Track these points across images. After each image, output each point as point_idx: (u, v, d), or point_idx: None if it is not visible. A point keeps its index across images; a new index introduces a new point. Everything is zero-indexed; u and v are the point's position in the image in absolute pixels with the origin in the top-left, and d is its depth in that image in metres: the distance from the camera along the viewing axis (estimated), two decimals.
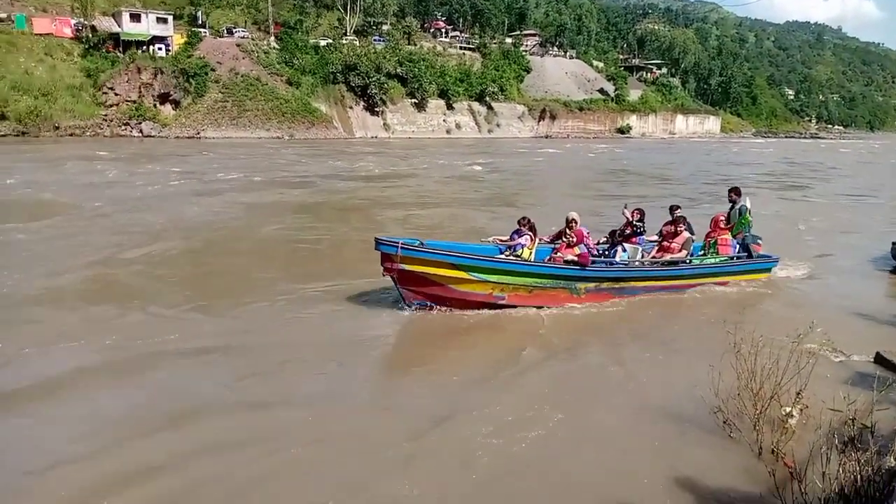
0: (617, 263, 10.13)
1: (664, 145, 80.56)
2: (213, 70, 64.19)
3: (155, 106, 60.51)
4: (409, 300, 9.19)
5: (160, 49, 63.86)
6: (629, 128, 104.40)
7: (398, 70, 77.00)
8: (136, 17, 63.52)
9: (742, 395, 5.62)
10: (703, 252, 10.87)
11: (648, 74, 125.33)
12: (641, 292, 9.99)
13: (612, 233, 11.01)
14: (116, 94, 58.83)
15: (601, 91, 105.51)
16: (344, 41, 77.49)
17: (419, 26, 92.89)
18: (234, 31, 71.12)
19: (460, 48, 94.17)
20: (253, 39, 70.61)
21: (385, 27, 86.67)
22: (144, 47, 63.20)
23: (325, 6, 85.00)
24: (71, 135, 53.67)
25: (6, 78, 53.35)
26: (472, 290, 9.12)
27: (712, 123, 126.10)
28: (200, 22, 70.74)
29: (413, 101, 79.18)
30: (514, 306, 9.33)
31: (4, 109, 51.61)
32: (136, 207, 18.66)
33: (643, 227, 10.73)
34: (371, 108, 74.94)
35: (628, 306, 9.66)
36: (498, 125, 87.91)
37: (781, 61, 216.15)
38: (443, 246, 9.76)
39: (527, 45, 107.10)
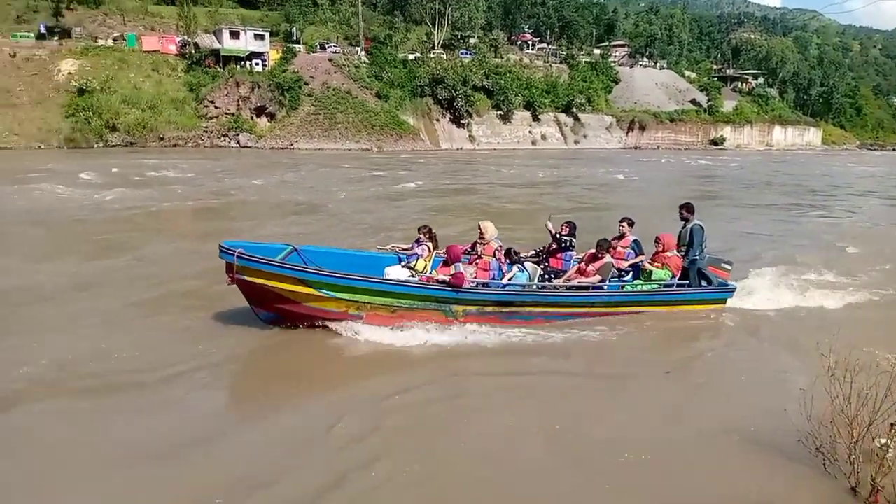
0: (509, 286, 8.87)
1: (781, 158, 77.24)
2: (306, 84, 66.31)
3: (252, 118, 63.07)
4: (258, 312, 8.42)
5: (257, 64, 66.60)
6: (723, 139, 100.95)
7: (484, 83, 77.37)
8: (235, 34, 66.51)
9: (836, 421, 5.12)
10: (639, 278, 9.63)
11: (744, 85, 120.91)
12: (539, 318, 8.78)
13: (543, 249, 9.94)
14: (216, 107, 61.69)
15: (693, 102, 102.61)
16: (431, 55, 78.59)
17: (506, 39, 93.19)
18: (326, 46, 73.39)
19: (547, 60, 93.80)
20: (344, 54, 72.59)
21: (472, 41, 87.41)
22: (243, 62, 66.07)
23: (414, 21, 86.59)
24: (174, 145, 56.68)
25: (118, 92, 56.98)
26: (323, 308, 8.19)
27: (812, 135, 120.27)
28: (295, 38, 73.44)
29: (499, 112, 79.31)
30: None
31: (116, 122, 55.10)
32: (361, 209, 21.05)
33: (571, 241, 9.59)
34: (457, 121, 75.54)
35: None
36: (585, 136, 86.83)
37: (889, 70, 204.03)
38: (318, 252, 9.10)
39: (615, 56, 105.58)
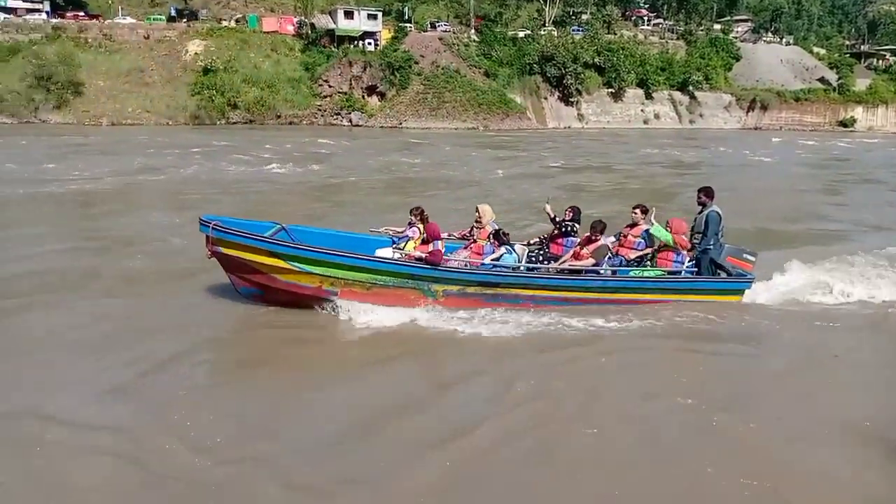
0: (494, 267, 8.54)
1: None
2: (416, 63, 66.99)
3: (363, 97, 64.48)
4: (237, 286, 8.48)
5: (369, 44, 67.89)
6: (853, 121, 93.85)
7: (596, 60, 75.39)
8: (349, 14, 67.98)
9: None
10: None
11: (880, 62, 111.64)
12: (527, 302, 8.45)
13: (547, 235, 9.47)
14: (330, 86, 63.48)
15: (821, 80, 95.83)
16: (542, 32, 77.33)
17: (620, 15, 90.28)
18: (437, 24, 73.78)
19: (663, 36, 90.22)
20: (454, 33, 72.72)
21: (584, 17, 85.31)
22: (356, 42, 67.53)
23: None
24: (290, 123, 58.93)
25: (239, 72, 59.75)
26: (297, 282, 8.12)
27: None
28: (406, 17, 74.24)
29: (609, 90, 77.19)
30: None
31: (237, 100, 57.82)
32: (521, 187, 22.30)
33: (573, 226, 9.11)
34: (566, 99, 74.16)
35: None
36: (701, 115, 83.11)
37: None
38: (307, 232, 9.01)
39: (737, 32, 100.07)
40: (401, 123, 62.80)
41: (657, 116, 79.76)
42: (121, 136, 41.09)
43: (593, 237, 8.84)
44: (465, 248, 8.91)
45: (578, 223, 9.18)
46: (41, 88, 54.89)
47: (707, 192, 9.12)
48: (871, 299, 9.43)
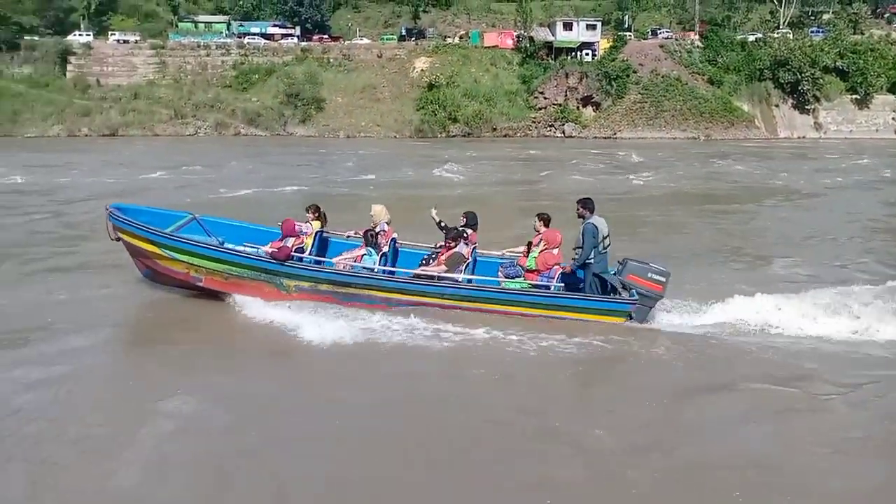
0: (354, 267, 8.98)
1: None
2: (634, 72, 65.72)
3: (577, 108, 64.56)
4: (139, 269, 9.51)
5: (587, 54, 67.81)
6: None
7: (838, 63, 68.49)
8: (568, 26, 68.47)
9: None
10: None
11: None
12: (382, 303, 8.53)
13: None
14: (545, 98, 64.40)
15: None
16: (775, 35, 71.93)
17: (870, 12, 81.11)
18: (658, 32, 71.70)
19: None
20: (676, 39, 70.22)
21: (826, 16, 77.87)
22: (573, 53, 67.83)
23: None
24: (505, 136, 60.72)
25: (460, 87, 62.77)
26: (171, 267, 8.96)
27: None
28: (626, 26, 73.03)
29: (854, 96, 69.70)
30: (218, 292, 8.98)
31: (457, 114, 60.83)
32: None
33: (464, 232, 9.01)
34: (800, 106, 68.26)
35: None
36: None
37: None
38: (218, 223, 9.69)
39: None
40: (615, 134, 61.99)
41: None
42: (364, 146, 45.33)
43: (447, 244, 8.88)
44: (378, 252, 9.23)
45: (474, 228, 9.25)
46: (290, 105, 62.09)
47: (585, 205, 8.74)
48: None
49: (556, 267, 8.68)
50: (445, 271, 8.70)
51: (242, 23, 74.38)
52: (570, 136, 61.47)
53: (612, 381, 7.56)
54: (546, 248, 8.70)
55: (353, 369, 7.28)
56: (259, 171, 30.74)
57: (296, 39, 71.42)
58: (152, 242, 8.87)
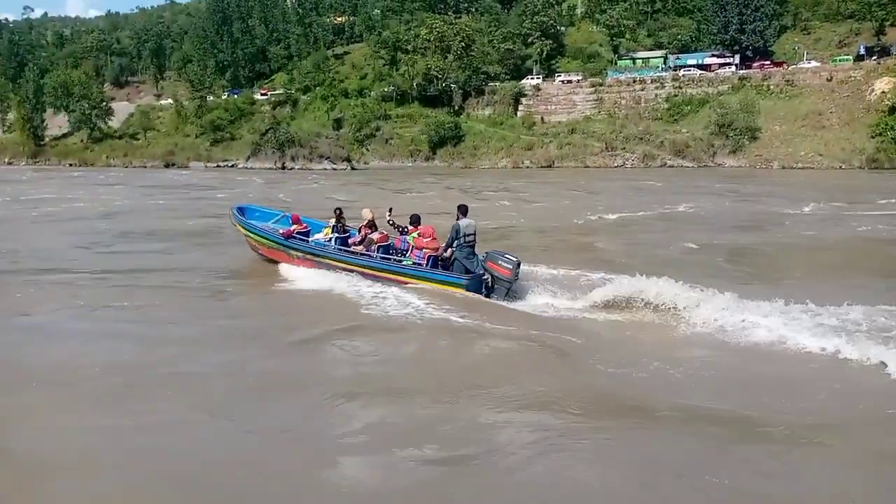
0: (316, 244, 12.56)
1: None
2: None
3: None
4: (257, 252, 13.75)
5: None
6: None
7: None
8: None
9: None
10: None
11: None
12: (338, 269, 11.99)
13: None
14: None
15: None
16: None
17: None
18: None
19: None
20: None
21: None
22: None
23: None
24: None
25: None
26: (249, 241, 13.78)
27: None
28: None
29: None
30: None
31: None
32: None
33: (404, 228, 12.13)
34: None
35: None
36: None
37: None
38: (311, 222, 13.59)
39: None
40: None
41: None
42: (802, 177, 41.62)
43: (364, 231, 12.15)
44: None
45: (415, 224, 11.77)
46: (721, 135, 60.12)
47: (460, 209, 11.29)
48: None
49: (425, 250, 11.42)
50: (363, 250, 12.03)
51: (679, 55, 74.65)
52: None
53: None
54: (418, 237, 11.56)
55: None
56: (660, 198, 30.37)
57: (733, 68, 68.90)
58: (241, 226, 13.78)
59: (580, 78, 74.40)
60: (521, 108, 74.33)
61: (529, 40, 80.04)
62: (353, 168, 63.30)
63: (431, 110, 76.46)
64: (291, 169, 62.44)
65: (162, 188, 39.29)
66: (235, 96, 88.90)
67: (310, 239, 12.69)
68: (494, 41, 79.70)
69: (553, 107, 72.84)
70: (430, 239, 11.46)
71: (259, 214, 14.43)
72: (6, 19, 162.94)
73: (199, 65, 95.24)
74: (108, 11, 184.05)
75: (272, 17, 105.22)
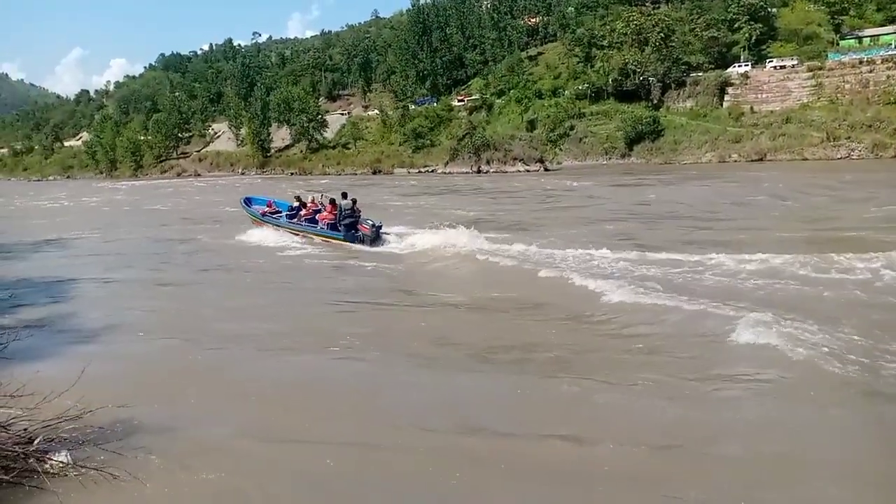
0: (277, 218, 21.01)
1: None
2: None
3: None
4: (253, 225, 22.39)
5: None
6: None
7: None
8: None
9: None
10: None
11: None
12: (285, 232, 20.25)
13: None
14: None
15: None
16: None
17: None
18: None
19: None
20: None
21: None
22: None
23: None
24: None
25: None
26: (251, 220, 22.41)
27: None
28: None
29: None
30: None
31: None
32: None
33: (297, 206, 20.82)
34: None
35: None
36: None
37: None
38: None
39: None
40: None
41: None
42: None
43: (309, 209, 20.22)
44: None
45: (333, 204, 19.27)
46: None
47: (342, 194, 19.19)
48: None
49: (327, 219, 19.02)
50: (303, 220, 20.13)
51: None
52: None
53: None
54: (326, 213, 19.17)
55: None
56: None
57: None
58: (244, 209, 22.62)
59: (795, 62, 67.94)
60: (726, 98, 69.53)
61: (736, 25, 74.73)
62: (546, 169, 62.91)
63: (628, 105, 74.12)
64: (486, 172, 63.50)
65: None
66: (432, 104, 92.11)
67: (280, 216, 20.76)
68: (697, 29, 75.48)
69: (764, 95, 67.22)
70: (328, 213, 19.03)
71: (255, 201, 23.19)
72: (239, 45, 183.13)
73: (401, 75, 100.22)
74: (322, 31, 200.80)
75: (468, 23, 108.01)
